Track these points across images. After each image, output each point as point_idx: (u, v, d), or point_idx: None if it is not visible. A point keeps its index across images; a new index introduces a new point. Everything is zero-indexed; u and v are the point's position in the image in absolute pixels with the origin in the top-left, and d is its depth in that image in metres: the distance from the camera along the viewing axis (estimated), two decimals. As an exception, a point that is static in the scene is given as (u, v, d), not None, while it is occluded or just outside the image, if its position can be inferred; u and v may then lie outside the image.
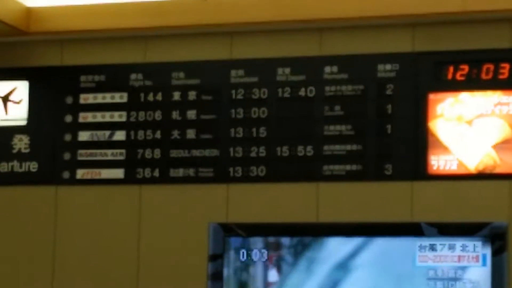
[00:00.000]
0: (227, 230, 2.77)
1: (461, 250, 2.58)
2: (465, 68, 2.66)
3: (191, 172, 2.88)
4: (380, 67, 2.72)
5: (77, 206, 2.97)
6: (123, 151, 2.95)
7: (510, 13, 2.59)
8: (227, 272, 2.80)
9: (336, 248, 2.74)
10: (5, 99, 3.04)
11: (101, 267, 2.92)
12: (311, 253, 2.78)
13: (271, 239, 2.79)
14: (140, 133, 2.94)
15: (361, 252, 2.74)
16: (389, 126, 2.70)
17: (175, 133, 2.91)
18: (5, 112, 3.04)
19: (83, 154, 2.98)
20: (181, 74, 2.92)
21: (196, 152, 2.88)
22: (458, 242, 2.59)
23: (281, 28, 2.81)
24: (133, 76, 2.97)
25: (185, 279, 2.80)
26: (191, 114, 2.90)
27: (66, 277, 2.97)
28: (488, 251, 2.54)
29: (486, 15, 2.59)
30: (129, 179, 2.93)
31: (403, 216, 2.63)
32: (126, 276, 2.89)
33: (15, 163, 3.02)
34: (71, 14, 2.99)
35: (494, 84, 2.62)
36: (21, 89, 3.05)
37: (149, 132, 2.93)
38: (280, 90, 2.82)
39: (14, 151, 3.05)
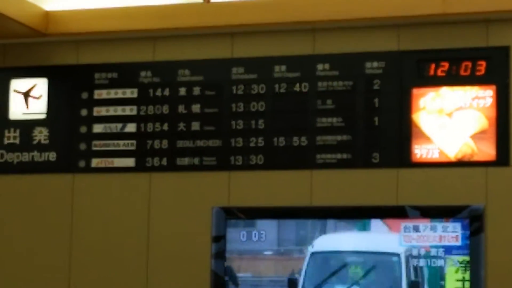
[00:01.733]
0: (229, 213, 2.87)
1: (442, 231, 2.64)
2: (446, 65, 2.71)
3: (196, 160, 2.93)
4: (368, 64, 2.76)
5: (92, 192, 3.03)
6: (134, 142, 3.01)
7: (486, 15, 2.63)
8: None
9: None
10: (26, 94, 3.09)
11: (115, 247, 2.98)
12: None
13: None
14: (149, 126, 3.00)
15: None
16: (376, 118, 2.75)
17: (181, 125, 2.96)
18: (26, 107, 3.09)
19: (97, 145, 3.03)
20: (186, 72, 2.97)
21: (200, 143, 2.93)
22: (439, 224, 2.66)
23: (278, 29, 2.87)
24: (142, 73, 3.01)
25: (191, 258, 2.85)
26: (196, 108, 2.94)
27: (82, 256, 3.02)
28: (467, 232, 2.62)
29: (464, 16, 2.64)
30: (140, 168, 2.99)
31: (389, 200, 2.70)
32: (137, 255, 2.95)
33: (36, 153, 3.07)
34: (86, 17, 3.05)
35: (472, 80, 2.67)
36: (40, 85, 3.09)
37: (157, 124, 2.98)
38: (277, 86, 2.86)
39: (35, 142, 3.10)
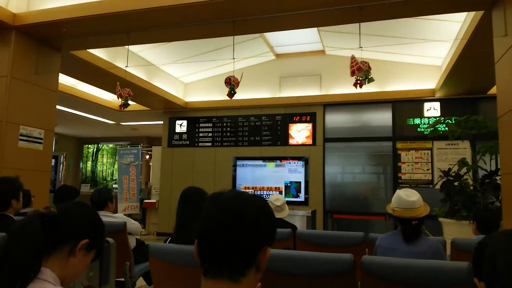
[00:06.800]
0: (238, 158, 6.41)
1: (301, 166, 6.23)
2: (298, 117, 6.29)
3: (228, 143, 6.53)
4: (277, 117, 6.33)
5: (200, 154, 6.59)
6: (211, 138, 6.57)
7: (311, 103, 6.00)
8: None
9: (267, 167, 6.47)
10: (180, 125, 6.66)
11: (205, 169, 6.34)
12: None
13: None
14: (215, 134, 6.55)
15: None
16: (279, 133, 6.33)
17: (225, 134, 6.54)
18: (180, 128, 6.53)
19: (201, 139, 6.54)
20: (226, 119, 6.57)
21: (230, 138, 6.52)
22: (293, 162, 6.44)
23: (252, 107, 6.39)
24: (213, 119, 6.62)
25: (226, 171, 6.43)
26: (228, 128, 6.49)
27: (198, 174, 6.36)
28: (303, 164, 6.23)
29: (303, 103, 6.05)
30: (212, 146, 6.53)
31: (282, 154, 6.25)
32: (209, 173, 6.44)
33: (183, 141, 6.69)
34: (196, 102, 6.56)
35: (306, 122, 6.08)
36: (184, 123, 6.76)
37: (217, 133, 6.49)
38: (252, 123, 6.42)
39: (182, 138, 6.51)
